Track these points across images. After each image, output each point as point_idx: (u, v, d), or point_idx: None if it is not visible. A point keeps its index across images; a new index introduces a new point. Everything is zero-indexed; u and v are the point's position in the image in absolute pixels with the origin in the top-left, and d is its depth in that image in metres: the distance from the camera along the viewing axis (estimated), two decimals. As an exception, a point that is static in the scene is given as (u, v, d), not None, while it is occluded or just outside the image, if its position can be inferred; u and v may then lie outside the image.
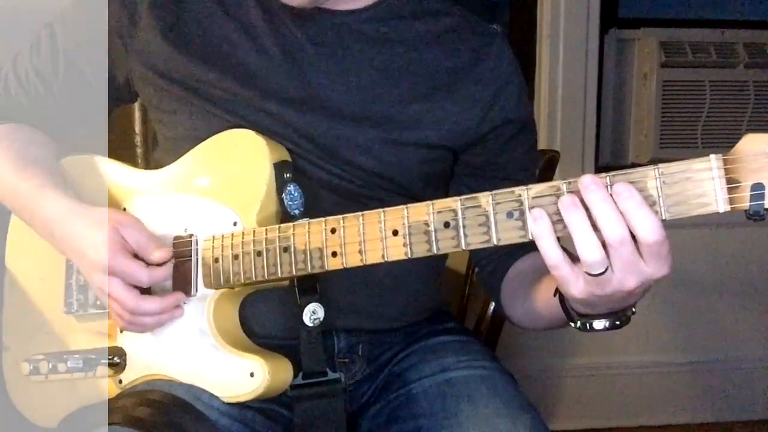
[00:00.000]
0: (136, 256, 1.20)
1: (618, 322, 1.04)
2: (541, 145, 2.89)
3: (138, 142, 2.10)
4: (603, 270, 0.93)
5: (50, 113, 1.38)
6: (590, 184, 0.91)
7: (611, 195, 0.91)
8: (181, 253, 1.22)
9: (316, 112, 1.25)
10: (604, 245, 0.92)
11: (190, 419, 1.14)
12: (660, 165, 0.90)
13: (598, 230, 0.91)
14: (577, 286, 0.96)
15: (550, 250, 0.94)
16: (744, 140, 0.87)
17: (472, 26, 1.36)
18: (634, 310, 1.05)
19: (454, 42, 1.33)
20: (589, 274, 0.94)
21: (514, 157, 1.36)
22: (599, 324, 1.04)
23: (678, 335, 2.96)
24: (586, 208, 0.92)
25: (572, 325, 1.07)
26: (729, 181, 0.87)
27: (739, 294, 2.93)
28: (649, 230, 0.90)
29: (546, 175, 1.72)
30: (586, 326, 1.05)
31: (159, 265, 1.20)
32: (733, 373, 2.96)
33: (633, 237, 0.91)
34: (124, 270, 1.18)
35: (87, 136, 1.46)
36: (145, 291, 1.21)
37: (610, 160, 2.97)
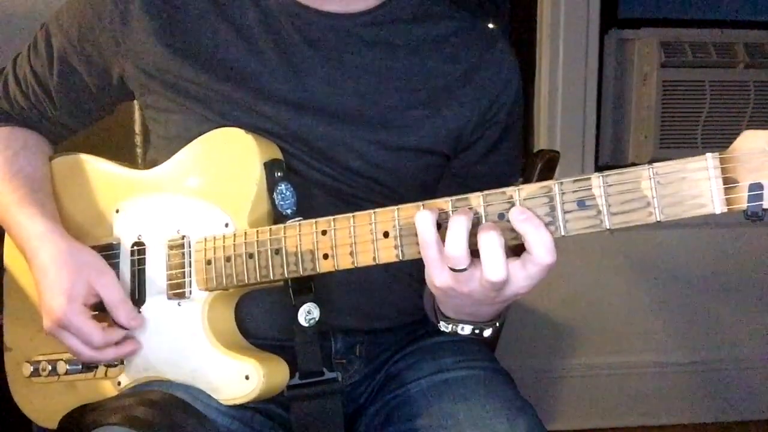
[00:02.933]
0: (96, 306, 1.22)
1: (478, 331, 1.10)
2: (541, 145, 2.90)
3: (138, 142, 2.11)
4: (465, 267, 0.96)
5: (47, 114, 1.38)
6: (488, 229, 0.95)
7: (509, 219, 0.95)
8: (175, 255, 1.22)
9: (311, 115, 1.24)
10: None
11: (189, 419, 1.14)
12: (654, 164, 0.89)
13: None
14: (440, 274, 0.99)
15: (424, 228, 0.97)
16: (742, 137, 0.85)
17: (473, 30, 1.35)
18: (498, 324, 1.11)
19: (454, 47, 1.32)
20: (453, 269, 0.97)
21: (493, 167, 1.36)
22: (465, 329, 1.10)
23: (678, 335, 2.96)
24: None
25: (440, 326, 1.12)
26: (726, 180, 0.85)
27: (739, 294, 2.93)
28: (545, 253, 0.94)
29: (546, 175, 1.72)
30: (453, 329, 1.11)
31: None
32: (733, 373, 2.96)
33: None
34: (77, 328, 1.19)
35: (84, 137, 1.47)
36: (102, 309, 1.22)
37: (610, 160, 2.97)
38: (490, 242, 0.94)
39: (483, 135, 1.32)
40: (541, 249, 0.94)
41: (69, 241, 1.24)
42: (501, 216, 0.96)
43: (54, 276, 1.20)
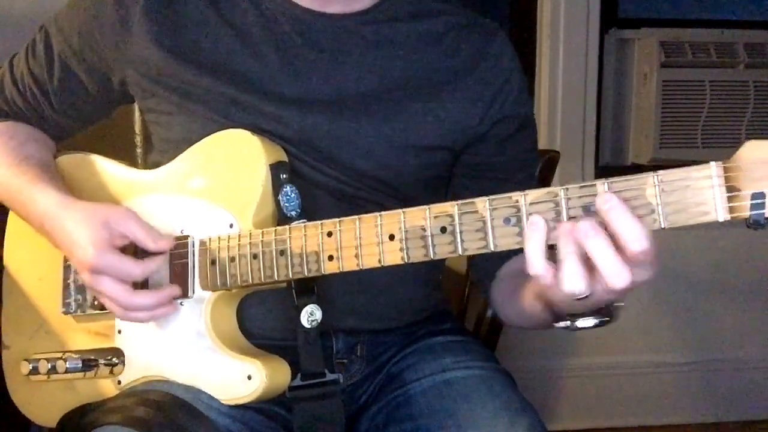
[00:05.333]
0: (127, 249, 1.20)
1: (605, 319, 1.02)
2: (541, 145, 2.88)
3: (138, 142, 2.10)
4: (587, 294, 0.91)
5: (45, 115, 1.38)
6: (589, 230, 0.88)
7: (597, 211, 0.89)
8: (178, 254, 1.21)
9: (314, 115, 1.24)
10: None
11: (189, 419, 1.14)
12: (659, 172, 0.89)
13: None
14: (558, 296, 0.96)
15: (535, 259, 0.92)
16: (745, 147, 0.86)
17: (473, 24, 1.35)
18: (621, 303, 1.02)
19: (454, 41, 1.32)
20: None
21: (513, 156, 1.35)
22: (585, 323, 1.02)
23: (678, 335, 2.96)
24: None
25: (556, 325, 1.06)
26: (729, 189, 0.86)
27: (739, 294, 2.93)
28: (636, 240, 0.87)
29: (546, 176, 1.72)
30: (572, 325, 1.03)
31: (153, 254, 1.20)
32: (733, 373, 2.96)
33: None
34: (112, 267, 1.17)
35: (84, 137, 1.47)
36: (142, 283, 1.20)
37: (610, 160, 2.97)
38: (601, 249, 0.88)
39: (495, 126, 1.32)
40: (632, 236, 0.88)
41: (85, 203, 1.24)
42: (507, 221, 0.96)
43: (78, 233, 1.19)
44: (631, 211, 0.88)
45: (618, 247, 0.88)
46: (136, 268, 1.17)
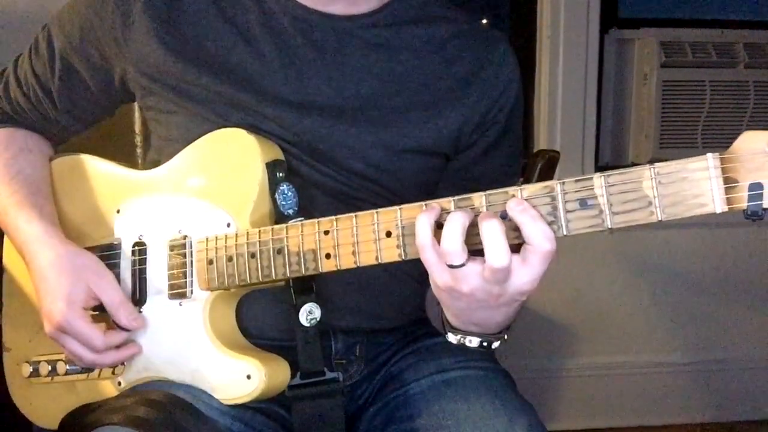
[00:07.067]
0: (96, 308, 1.22)
1: (486, 343, 1.11)
2: (541, 145, 2.91)
3: (138, 142, 2.10)
4: (462, 263, 0.96)
5: (48, 115, 1.38)
6: (488, 213, 0.97)
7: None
8: (176, 255, 1.22)
9: (313, 117, 1.24)
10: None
11: (190, 419, 1.14)
12: (656, 164, 0.89)
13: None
14: (440, 274, 0.99)
15: (422, 231, 0.98)
16: (742, 138, 0.86)
17: (475, 32, 1.35)
18: (506, 336, 1.11)
19: (456, 49, 1.32)
20: (450, 266, 0.97)
21: (492, 167, 1.35)
22: (472, 342, 1.10)
23: (678, 335, 2.96)
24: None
25: (448, 338, 1.12)
26: (726, 180, 0.86)
27: (739, 294, 2.93)
28: (544, 241, 0.93)
29: (546, 175, 1.72)
30: (461, 341, 1.11)
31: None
32: (733, 373, 2.97)
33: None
34: (79, 333, 1.19)
35: (84, 137, 1.47)
36: (102, 311, 1.22)
37: (610, 160, 2.98)
38: (491, 228, 0.94)
39: (482, 136, 1.32)
40: (539, 236, 0.94)
41: (66, 245, 1.25)
42: (503, 216, 0.96)
43: (53, 281, 1.21)
44: (539, 216, 0.94)
45: (526, 246, 0.95)
46: (101, 341, 1.19)
